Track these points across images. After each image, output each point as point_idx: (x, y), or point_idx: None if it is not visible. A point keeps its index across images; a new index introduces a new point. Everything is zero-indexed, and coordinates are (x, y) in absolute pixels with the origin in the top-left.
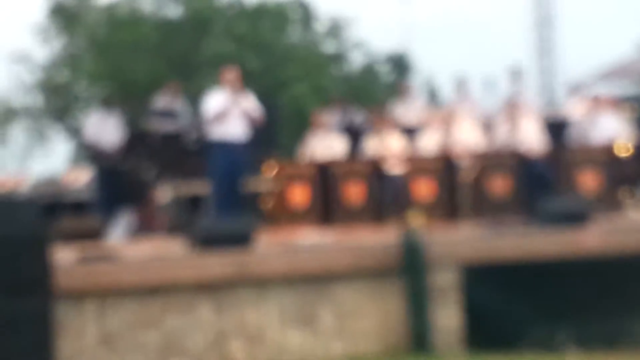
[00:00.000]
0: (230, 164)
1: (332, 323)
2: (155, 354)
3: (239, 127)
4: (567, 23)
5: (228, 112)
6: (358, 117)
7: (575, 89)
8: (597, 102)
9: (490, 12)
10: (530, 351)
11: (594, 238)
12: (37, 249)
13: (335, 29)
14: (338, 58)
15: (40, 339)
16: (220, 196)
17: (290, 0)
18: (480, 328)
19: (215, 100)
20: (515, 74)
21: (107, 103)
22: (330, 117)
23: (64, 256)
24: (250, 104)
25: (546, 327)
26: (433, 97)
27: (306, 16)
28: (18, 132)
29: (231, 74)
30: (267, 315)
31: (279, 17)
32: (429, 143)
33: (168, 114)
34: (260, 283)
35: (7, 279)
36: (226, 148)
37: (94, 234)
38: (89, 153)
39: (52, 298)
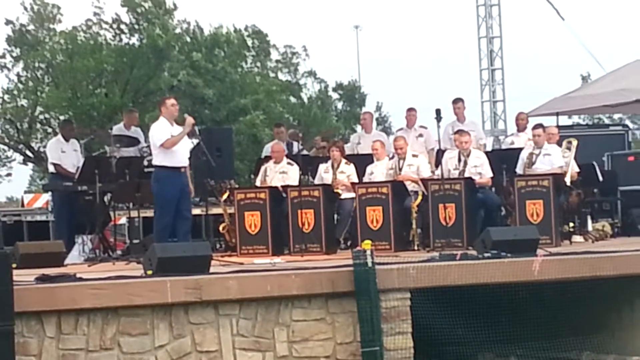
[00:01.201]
0: (178, 191)
1: (286, 346)
2: None
3: (185, 155)
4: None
5: (180, 140)
6: (310, 145)
7: (521, 120)
8: (543, 133)
9: (440, 45)
10: None
11: (541, 265)
12: (0, 267)
13: (289, 59)
14: (292, 86)
15: (2, 357)
16: (168, 223)
17: (245, 29)
18: (430, 351)
19: (162, 129)
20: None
21: (66, 129)
22: (285, 146)
23: (24, 277)
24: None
25: (495, 351)
26: (384, 124)
27: (261, 45)
28: None
29: (173, 101)
30: (222, 339)
31: (234, 46)
32: (380, 170)
33: (127, 140)
34: (215, 307)
35: None
36: (174, 175)
37: (56, 258)
38: (48, 177)
39: (12, 317)
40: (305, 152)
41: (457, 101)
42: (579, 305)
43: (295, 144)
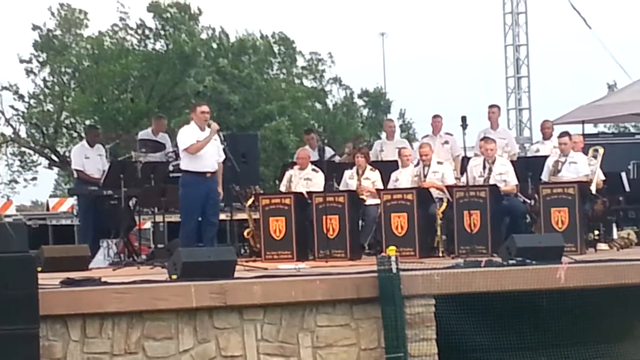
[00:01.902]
0: (204, 196)
1: (310, 352)
2: None
3: (211, 160)
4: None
5: (204, 145)
6: (332, 152)
7: (547, 128)
8: (569, 141)
9: (466, 52)
10: None
11: (566, 273)
12: (25, 271)
13: (315, 65)
14: (317, 93)
15: (27, 359)
16: (193, 227)
17: (272, 36)
18: (454, 358)
19: (189, 134)
20: (496, 110)
21: (91, 135)
22: (311, 152)
23: (48, 280)
24: (218, 142)
25: (519, 358)
26: (407, 130)
27: (287, 52)
28: (4, 160)
29: (204, 108)
30: (246, 344)
31: (260, 52)
32: (405, 177)
33: (153, 145)
34: (240, 312)
35: None
36: (199, 180)
37: (81, 262)
38: (74, 181)
39: (37, 320)
40: (337, 157)
41: (492, 106)
42: (603, 313)
43: (328, 149)
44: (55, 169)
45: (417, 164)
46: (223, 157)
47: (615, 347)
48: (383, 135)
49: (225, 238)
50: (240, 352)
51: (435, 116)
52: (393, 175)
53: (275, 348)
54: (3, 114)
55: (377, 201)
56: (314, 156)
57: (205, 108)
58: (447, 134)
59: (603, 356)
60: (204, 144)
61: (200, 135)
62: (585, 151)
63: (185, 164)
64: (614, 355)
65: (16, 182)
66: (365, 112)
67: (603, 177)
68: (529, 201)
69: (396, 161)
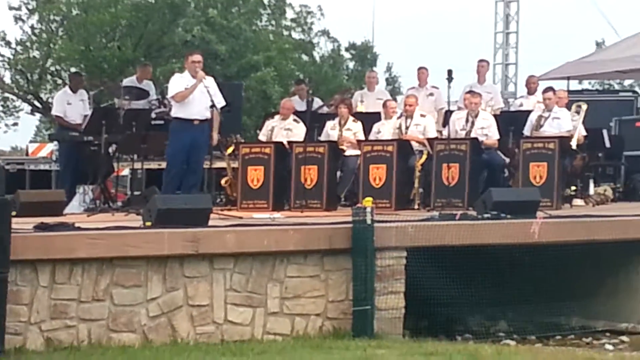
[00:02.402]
0: (188, 142)
1: (277, 303)
2: (103, 327)
3: (201, 108)
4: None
5: (190, 93)
6: (320, 103)
7: (532, 83)
8: (554, 96)
9: (456, 8)
10: (468, 339)
11: (539, 228)
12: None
13: (304, 18)
14: (304, 45)
15: None
16: (176, 172)
17: None
18: (421, 311)
19: (178, 82)
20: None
21: (74, 81)
22: (297, 103)
23: (23, 225)
24: (213, 90)
25: (486, 314)
26: (393, 84)
27: (277, 4)
28: None
29: (195, 57)
30: (214, 293)
31: (250, 4)
32: (387, 129)
33: (137, 92)
34: (211, 260)
35: None
36: (186, 127)
37: (56, 207)
38: (55, 127)
39: (7, 264)
40: (325, 108)
41: (482, 61)
42: (575, 270)
43: (316, 100)
44: (38, 115)
45: (400, 116)
46: (222, 103)
47: (587, 303)
48: (368, 88)
49: (202, 186)
50: (207, 302)
51: (420, 68)
52: (375, 127)
53: (242, 298)
54: None
55: (358, 152)
56: (302, 107)
57: (196, 57)
58: (433, 86)
59: (574, 312)
60: (189, 92)
61: (189, 84)
62: (569, 107)
63: (175, 110)
64: (585, 311)
65: None
66: (351, 65)
67: (584, 133)
68: (506, 159)
69: (378, 113)
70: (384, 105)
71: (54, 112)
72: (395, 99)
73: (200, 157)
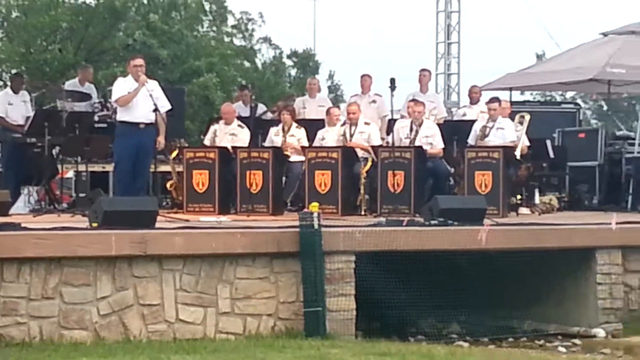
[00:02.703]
0: (134, 146)
1: (229, 303)
2: (54, 324)
3: (145, 112)
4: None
5: (132, 97)
6: (264, 109)
7: (474, 93)
8: (499, 107)
9: (398, 18)
10: (421, 340)
11: (487, 235)
12: None
13: (245, 24)
14: (246, 51)
15: None
16: (124, 176)
17: None
18: (373, 314)
19: (121, 86)
20: (427, 74)
21: (15, 82)
22: (238, 108)
23: None
24: (157, 93)
25: (437, 317)
26: (336, 92)
27: (218, 10)
28: None
29: (137, 62)
30: (164, 293)
31: (191, 9)
32: (332, 136)
33: (79, 95)
34: (160, 261)
35: None
36: (132, 130)
37: (1, 207)
38: None
39: None
40: (269, 114)
41: (423, 70)
42: (524, 276)
43: (261, 106)
44: None
45: (344, 124)
46: (167, 107)
47: (538, 307)
48: (310, 94)
49: (147, 190)
50: (158, 301)
51: (364, 75)
52: (319, 134)
53: (193, 298)
54: None
55: (302, 158)
56: (246, 112)
57: (137, 61)
58: (376, 94)
59: (522, 318)
60: (132, 96)
61: (132, 88)
62: (512, 118)
63: (120, 115)
64: (533, 316)
65: None
66: (293, 72)
67: (528, 143)
68: (451, 169)
69: (321, 120)
70: (328, 112)
71: None
72: (338, 107)
73: (147, 161)
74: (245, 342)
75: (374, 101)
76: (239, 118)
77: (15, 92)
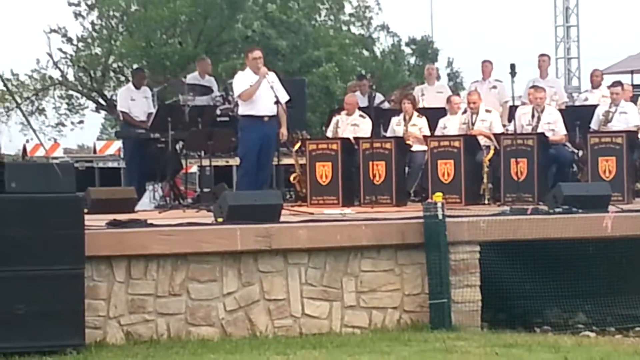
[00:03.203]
0: (259, 139)
1: (354, 297)
2: (181, 321)
3: (267, 104)
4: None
5: (255, 90)
6: (382, 99)
7: (595, 77)
8: (622, 90)
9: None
10: (547, 330)
11: (612, 222)
12: (72, 211)
13: (363, 12)
14: (364, 40)
15: (72, 299)
16: (249, 170)
17: None
18: (498, 305)
19: (242, 80)
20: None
21: (137, 77)
22: (359, 98)
23: (95, 222)
24: (276, 85)
25: (562, 306)
26: (455, 79)
27: None
28: (52, 103)
29: (255, 54)
30: (290, 287)
31: None
32: (453, 124)
33: (200, 89)
34: (285, 255)
35: (43, 238)
36: (256, 124)
37: (127, 204)
38: (120, 125)
39: (83, 260)
40: (387, 104)
41: (542, 55)
42: None
43: (378, 95)
44: (102, 113)
45: (465, 112)
46: (286, 98)
47: None
48: (428, 82)
49: (271, 183)
50: (284, 296)
51: (484, 61)
52: (441, 122)
53: (319, 292)
54: (51, 56)
55: (424, 147)
56: (364, 102)
57: (256, 54)
58: (496, 80)
59: None
60: (254, 89)
61: (253, 80)
62: (634, 101)
63: (242, 109)
64: None
65: (63, 125)
66: (412, 60)
67: None
68: (576, 151)
69: (441, 108)
70: (448, 100)
71: (119, 107)
72: (458, 94)
73: (271, 153)
74: (371, 335)
75: (494, 87)
76: (359, 108)
77: (137, 87)
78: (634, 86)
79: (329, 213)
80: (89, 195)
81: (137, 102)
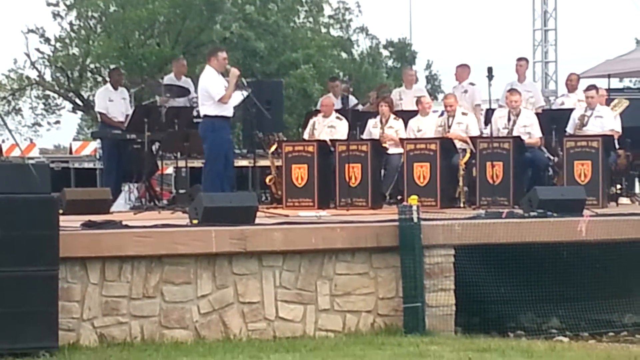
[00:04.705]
0: (227, 141)
1: (328, 300)
2: (155, 323)
3: (231, 105)
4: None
5: (232, 92)
6: (355, 101)
7: (572, 81)
8: (597, 94)
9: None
10: (520, 335)
11: (587, 226)
12: (46, 212)
13: (342, 14)
14: (343, 42)
15: (45, 301)
16: (220, 171)
17: None
18: (472, 309)
19: (219, 82)
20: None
21: (114, 77)
22: (335, 100)
23: (70, 222)
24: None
25: (537, 311)
26: (433, 82)
27: (314, 0)
28: (29, 103)
29: (223, 54)
30: (264, 290)
31: (287, 0)
32: (427, 125)
33: (177, 90)
34: (259, 258)
35: (17, 238)
36: (226, 124)
37: (102, 205)
38: (98, 125)
39: (57, 262)
40: (360, 106)
41: (520, 59)
42: (624, 267)
43: (351, 98)
44: (79, 113)
45: (442, 114)
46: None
47: (634, 301)
48: (406, 85)
49: (247, 184)
50: (258, 299)
51: (458, 66)
52: (412, 123)
53: (293, 295)
54: (29, 56)
55: (400, 150)
56: (338, 104)
57: (226, 54)
58: (469, 83)
59: (621, 310)
60: (232, 91)
61: (224, 82)
62: (608, 104)
63: (212, 109)
64: (633, 309)
65: (39, 125)
66: (390, 62)
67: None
68: (552, 158)
69: (417, 110)
70: (419, 101)
71: (97, 108)
72: (436, 97)
73: (232, 153)
74: (344, 339)
75: (465, 91)
76: (335, 110)
77: (115, 87)
78: (611, 90)
79: (304, 215)
80: (64, 195)
81: (115, 103)
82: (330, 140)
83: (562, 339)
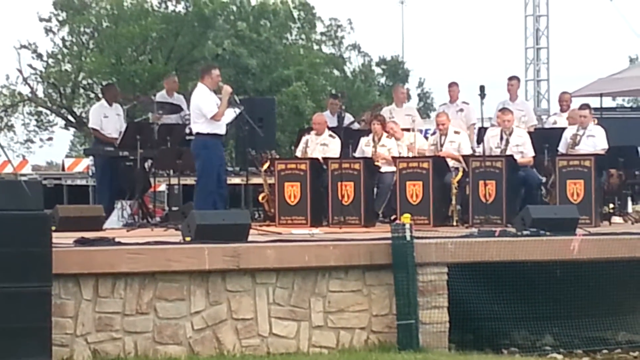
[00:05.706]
0: (220, 158)
1: (322, 317)
2: (148, 339)
3: (224, 122)
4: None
5: (223, 110)
6: (351, 119)
7: (564, 100)
8: (589, 114)
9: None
10: (514, 352)
11: (579, 245)
12: (39, 229)
13: (334, 32)
14: (335, 59)
15: (39, 317)
16: (213, 190)
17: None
18: (465, 326)
19: (212, 100)
20: (515, 82)
21: (109, 92)
22: (328, 118)
23: (62, 239)
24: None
25: (530, 328)
26: (425, 100)
27: (307, 17)
28: (21, 119)
29: (217, 72)
30: (258, 307)
31: (280, 17)
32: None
33: (169, 107)
34: (253, 275)
35: (10, 255)
36: (218, 143)
37: (95, 222)
38: (92, 142)
39: (50, 278)
40: (357, 124)
41: (512, 78)
42: (616, 286)
43: (347, 115)
44: (72, 130)
45: (434, 133)
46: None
47: (629, 319)
48: (397, 103)
49: (239, 202)
50: (251, 315)
51: (451, 84)
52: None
53: (286, 312)
54: (21, 72)
55: (393, 168)
56: (333, 122)
57: (219, 71)
58: (463, 102)
59: (615, 328)
60: (225, 108)
61: (216, 99)
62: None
63: (204, 127)
64: (626, 327)
65: (32, 141)
66: (382, 80)
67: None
68: (543, 179)
69: (409, 129)
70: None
71: (90, 124)
72: (428, 115)
73: (225, 171)
74: (338, 356)
75: (461, 110)
76: (328, 128)
77: (110, 103)
78: (603, 109)
79: (297, 233)
80: (57, 212)
81: (110, 119)
82: (323, 158)
83: (556, 356)
